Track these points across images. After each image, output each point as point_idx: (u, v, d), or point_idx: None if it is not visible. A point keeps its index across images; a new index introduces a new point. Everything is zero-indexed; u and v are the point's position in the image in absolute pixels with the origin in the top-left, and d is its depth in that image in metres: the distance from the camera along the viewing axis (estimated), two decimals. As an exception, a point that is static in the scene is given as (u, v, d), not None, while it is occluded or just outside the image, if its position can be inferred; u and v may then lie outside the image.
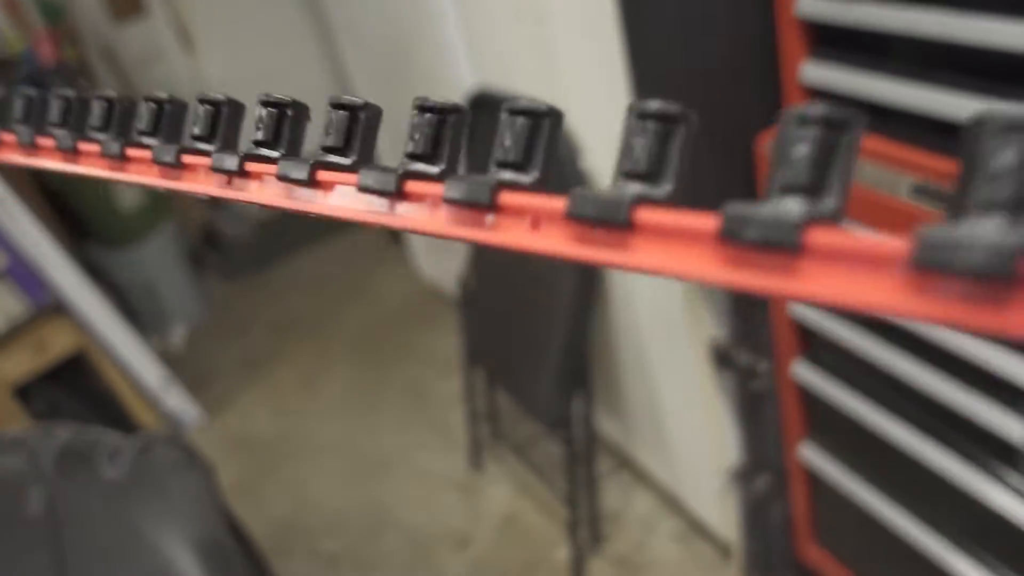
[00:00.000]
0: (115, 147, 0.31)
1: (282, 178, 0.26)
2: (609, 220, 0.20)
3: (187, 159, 0.30)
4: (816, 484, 1.19)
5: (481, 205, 0.22)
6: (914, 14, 0.71)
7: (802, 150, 0.17)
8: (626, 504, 1.76)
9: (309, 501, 2.02)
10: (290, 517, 1.98)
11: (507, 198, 0.22)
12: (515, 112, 0.22)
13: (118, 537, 0.97)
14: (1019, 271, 0.14)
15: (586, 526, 1.68)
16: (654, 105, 0.20)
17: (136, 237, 2.69)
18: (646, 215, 0.20)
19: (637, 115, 0.20)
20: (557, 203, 0.21)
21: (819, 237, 0.17)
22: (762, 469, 1.33)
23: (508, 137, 0.22)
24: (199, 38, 3.23)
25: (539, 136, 0.22)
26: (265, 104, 0.27)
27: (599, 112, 1.25)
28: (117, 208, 2.61)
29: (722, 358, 1.24)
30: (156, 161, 0.30)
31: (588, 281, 1.45)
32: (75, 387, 2.15)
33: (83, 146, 0.34)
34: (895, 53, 0.78)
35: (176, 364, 2.56)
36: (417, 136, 0.24)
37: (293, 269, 3.18)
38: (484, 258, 1.77)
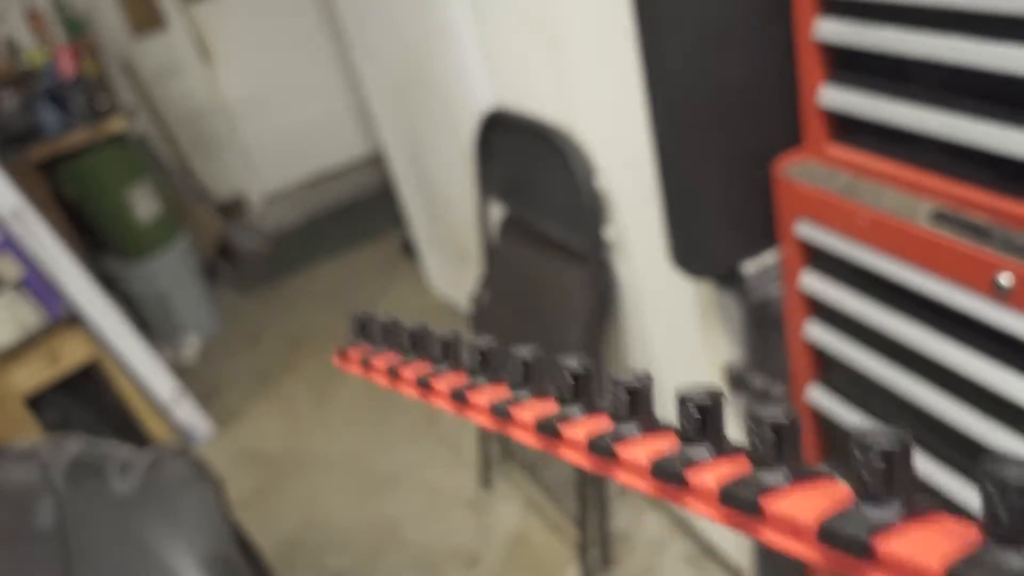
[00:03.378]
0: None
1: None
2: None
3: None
4: (830, 510, 1.17)
5: None
6: (932, 39, 0.71)
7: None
8: (636, 526, 1.74)
9: (317, 516, 2.01)
10: (298, 532, 1.97)
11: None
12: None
13: (126, 551, 0.97)
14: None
15: (596, 547, 1.66)
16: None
17: (151, 249, 2.71)
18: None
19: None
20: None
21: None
22: (775, 493, 1.31)
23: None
24: (217, 51, 3.27)
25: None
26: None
27: (614, 132, 1.25)
28: (133, 220, 2.63)
29: (737, 381, 1.23)
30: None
31: (601, 303, 1.44)
32: (87, 398, 2.15)
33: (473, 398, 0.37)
34: (914, 77, 0.78)
35: (188, 376, 2.57)
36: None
37: (306, 282, 3.19)
38: (496, 276, 1.76)
